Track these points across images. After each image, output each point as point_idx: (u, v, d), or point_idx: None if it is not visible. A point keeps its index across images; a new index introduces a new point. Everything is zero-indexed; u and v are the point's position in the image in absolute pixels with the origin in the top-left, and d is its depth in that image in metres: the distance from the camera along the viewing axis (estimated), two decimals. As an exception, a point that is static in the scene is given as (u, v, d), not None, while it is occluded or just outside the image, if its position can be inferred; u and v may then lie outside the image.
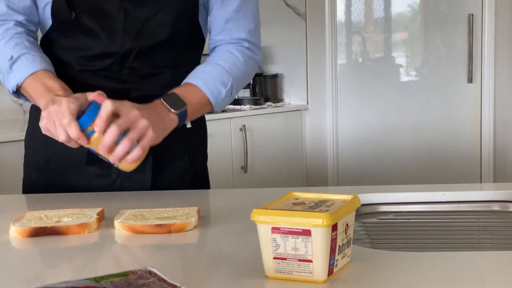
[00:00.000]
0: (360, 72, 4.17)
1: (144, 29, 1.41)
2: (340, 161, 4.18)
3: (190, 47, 1.50)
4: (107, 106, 1.19)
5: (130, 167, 1.23)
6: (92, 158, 1.40)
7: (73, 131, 1.18)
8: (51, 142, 1.45)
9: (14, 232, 1.08)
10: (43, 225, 1.09)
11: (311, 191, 0.93)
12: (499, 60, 3.89)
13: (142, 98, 1.38)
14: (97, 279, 0.72)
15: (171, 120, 1.31)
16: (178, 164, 1.48)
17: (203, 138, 1.58)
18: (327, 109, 4.16)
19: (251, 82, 4.12)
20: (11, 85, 1.38)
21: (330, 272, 0.84)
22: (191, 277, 0.88)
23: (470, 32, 3.92)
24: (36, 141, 1.48)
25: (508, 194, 1.33)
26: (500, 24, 3.87)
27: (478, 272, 0.90)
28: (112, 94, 1.39)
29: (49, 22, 1.45)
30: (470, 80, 3.96)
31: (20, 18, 1.44)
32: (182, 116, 1.33)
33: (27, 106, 3.42)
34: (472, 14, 3.90)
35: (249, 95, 4.13)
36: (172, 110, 1.31)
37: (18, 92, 1.40)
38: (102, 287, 0.70)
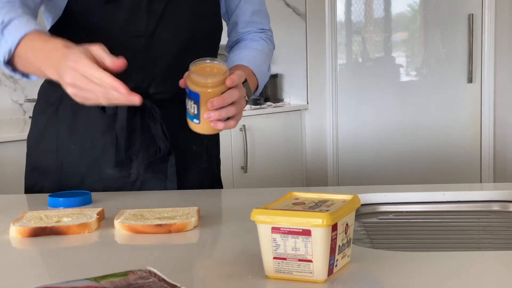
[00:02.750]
0: (360, 72, 4.17)
1: (168, 9, 1.38)
2: (340, 161, 4.18)
3: (208, 42, 1.48)
4: (242, 75, 1.23)
5: (209, 131, 1.24)
6: (120, 158, 1.38)
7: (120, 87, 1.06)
8: (65, 145, 1.43)
9: (14, 232, 1.08)
10: (43, 225, 1.09)
11: (311, 191, 0.93)
12: (499, 60, 3.89)
13: (161, 95, 1.38)
14: (97, 279, 0.72)
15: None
16: (198, 165, 1.48)
17: (216, 137, 1.58)
18: (327, 109, 4.16)
19: (251, 82, 4.12)
20: (3, 52, 1.23)
21: (330, 272, 0.84)
22: (191, 277, 0.88)
23: (470, 32, 3.92)
24: (46, 144, 1.45)
25: (508, 194, 1.33)
26: (500, 24, 3.87)
27: (478, 272, 0.90)
28: (133, 90, 1.36)
29: (59, 11, 1.37)
30: (470, 80, 3.96)
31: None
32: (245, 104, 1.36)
33: (27, 106, 3.42)
34: (472, 14, 3.90)
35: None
36: (246, 98, 1.31)
37: (11, 63, 1.25)
38: (102, 287, 0.70)
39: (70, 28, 1.37)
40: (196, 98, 1.20)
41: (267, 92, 4.25)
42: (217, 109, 1.19)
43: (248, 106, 3.94)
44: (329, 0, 4.06)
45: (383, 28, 4.17)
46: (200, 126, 1.23)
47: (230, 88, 1.21)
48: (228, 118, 1.23)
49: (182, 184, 1.44)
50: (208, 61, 1.21)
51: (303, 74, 4.23)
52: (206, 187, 1.48)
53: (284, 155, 4.07)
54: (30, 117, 3.36)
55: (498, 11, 3.86)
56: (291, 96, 4.28)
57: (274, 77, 4.30)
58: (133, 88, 1.27)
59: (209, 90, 1.19)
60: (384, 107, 4.10)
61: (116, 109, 1.38)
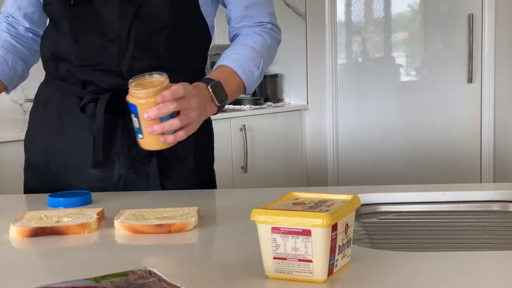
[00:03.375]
0: (360, 72, 4.17)
1: (141, 13, 1.37)
2: (340, 161, 4.18)
3: (194, 40, 1.45)
4: (180, 89, 1.18)
5: (156, 147, 1.21)
6: (98, 159, 1.39)
7: None
8: (52, 145, 1.45)
9: (14, 232, 1.08)
10: (43, 225, 1.09)
11: (311, 191, 0.93)
12: (499, 60, 3.89)
13: None
14: (97, 279, 0.72)
15: (212, 110, 1.30)
16: (183, 167, 1.46)
17: (209, 139, 1.55)
18: (327, 109, 4.16)
19: (251, 82, 4.12)
20: None
21: (330, 272, 0.83)
22: (191, 277, 0.88)
23: (470, 32, 3.92)
24: (36, 144, 1.47)
25: (508, 194, 1.33)
26: (500, 24, 3.87)
27: (478, 272, 0.90)
28: (113, 91, 1.38)
29: (47, 20, 1.44)
30: (470, 80, 3.96)
31: (12, 10, 1.48)
32: (221, 108, 1.33)
33: (27, 106, 3.42)
34: (472, 14, 3.90)
35: (249, 95, 4.13)
36: (217, 102, 1.30)
37: None
38: (102, 287, 0.70)
39: (53, 32, 1.44)
40: (134, 111, 1.19)
41: (267, 92, 4.25)
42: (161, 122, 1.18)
43: (248, 106, 3.94)
44: (329, 0, 4.06)
45: (383, 28, 4.17)
46: (144, 141, 1.20)
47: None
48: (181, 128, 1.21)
49: (166, 185, 1.44)
50: (147, 76, 1.20)
51: (303, 74, 4.23)
52: (193, 189, 1.47)
53: (284, 155, 4.07)
54: (30, 117, 3.38)
55: (498, 11, 3.86)
56: (291, 96, 4.28)
57: (274, 77, 4.30)
58: (113, 89, 1.33)
59: (143, 101, 1.17)
60: (384, 107, 4.10)
61: (94, 109, 1.40)
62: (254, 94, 4.18)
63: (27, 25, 1.53)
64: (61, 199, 1.25)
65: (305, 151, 4.21)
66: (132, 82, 1.19)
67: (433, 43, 4.07)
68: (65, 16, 1.39)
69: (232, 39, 1.51)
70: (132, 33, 1.37)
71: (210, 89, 1.29)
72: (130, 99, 1.19)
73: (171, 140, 1.20)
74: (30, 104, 3.71)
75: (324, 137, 4.18)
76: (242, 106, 3.96)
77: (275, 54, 1.52)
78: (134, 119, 1.20)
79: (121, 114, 1.39)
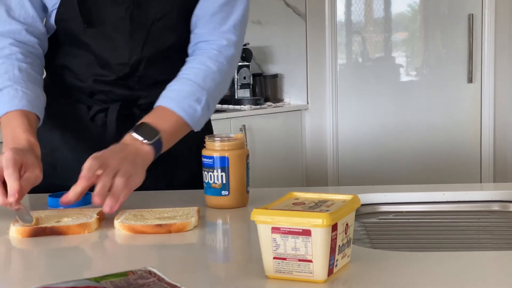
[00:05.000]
0: (360, 72, 4.17)
1: (150, 37, 1.40)
2: (340, 161, 4.18)
3: None
4: (88, 165, 1.14)
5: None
6: None
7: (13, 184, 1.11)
8: (58, 147, 1.45)
9: (14, 232, 1.08)
10: (43, 225, 1.09)
11: (311, 191, 0.93)
12: (499, 60, 3.89)
13: (150, 105, 1.37)
14: (97, 279, 0.72)
15: (147, 153, 1.23)
16: (188, 168, 1.47)
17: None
18: (327, 109, 4.16)
19: (251, 82, 4.12)
20: None
21: (330, 272, 0.83)
22: (191, 277, 0.88)
23: (470, 32, 3.92)
24: (42, 147, 1.47)
25: (508, 194, 1.33)
26: (500, 24, 3.87)
27: (478, 272, 0.90)
28: (120, 101, 1.42)
29: (53, 26, 1.43)
30: (470, 80, 3.96)
31: (18, 27, 1.37)
32: (158, 145, 1.26)
33: (27, 106, 3.43)
34: (472, 14, 3.90)
35: (249, 95, 4.13)
36: (145, 141, 1.23)
37: None
38: (102, 287, 0.70)
39: (62, 43, 1.43)
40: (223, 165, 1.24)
41: (267, 92, 4.25)
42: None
43: (248, 106, 3.94)
44: (329, 0, 4.06)
45: (383, 28, 4.17)
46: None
47: None
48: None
49: (171, 185, 1.46)
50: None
51: (303, 74, 4.23)
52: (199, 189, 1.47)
53: (284, 155, 4.07)
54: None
55: (498, 11, 3.86)
56: (291, 96, 4.28)
57: (274, 77, 4.30)
58: (122, 102, 1.38)
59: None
60: (384, 107, 4.10)
61: (105, 119, 1.43)
62: (254, 94, 4.18)
63: (35, 40, 1.43)
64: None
65: (305, 151, 4.21)
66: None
67: (433, 43, 4.07)
68: (79, 33, 1.39)
69: (192, 47, 1.44)
70: (142, 56, 1.40)
71: (133, 133, 1.24)
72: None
73: (115, 208, 1.12)
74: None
75: (324, 137, 4.18)
76: (242, 106, 3.96)
77: (229, 78, 1.44)
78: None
79: (129, 122, 1.39)
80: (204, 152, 1.23)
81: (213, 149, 1.22)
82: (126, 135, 1.25)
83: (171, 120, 1.31)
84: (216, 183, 1.21)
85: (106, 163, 1.14)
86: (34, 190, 1.47)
